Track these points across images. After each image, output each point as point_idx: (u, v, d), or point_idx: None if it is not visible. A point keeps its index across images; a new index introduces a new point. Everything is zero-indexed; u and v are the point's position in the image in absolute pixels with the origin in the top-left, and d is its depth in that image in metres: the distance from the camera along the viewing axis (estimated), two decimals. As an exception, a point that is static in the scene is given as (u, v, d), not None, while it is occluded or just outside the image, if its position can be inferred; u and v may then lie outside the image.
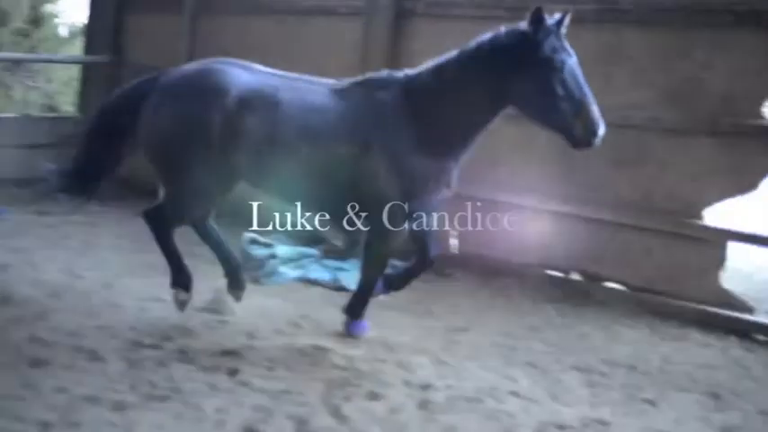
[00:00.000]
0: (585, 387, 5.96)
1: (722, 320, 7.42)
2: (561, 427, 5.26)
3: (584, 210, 8.19)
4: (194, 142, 6.14)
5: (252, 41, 10.57)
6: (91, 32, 13.21)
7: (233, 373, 5.65)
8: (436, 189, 6.17)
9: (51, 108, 15.96)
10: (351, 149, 6.04)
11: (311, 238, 8.95)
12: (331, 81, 6.42)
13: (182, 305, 6.66)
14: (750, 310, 7.50)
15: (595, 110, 5.67)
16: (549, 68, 5.75)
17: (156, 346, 5.98)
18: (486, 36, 6.00)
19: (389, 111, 6.10)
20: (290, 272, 8.13)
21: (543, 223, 8.36)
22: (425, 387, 5.68)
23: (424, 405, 5.41)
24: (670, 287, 7.83)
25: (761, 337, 7.20)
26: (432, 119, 6.05)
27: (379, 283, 6.51)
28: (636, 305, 7.85)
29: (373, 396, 5.47)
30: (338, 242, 8.86)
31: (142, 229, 6.67)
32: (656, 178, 7.97)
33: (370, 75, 6.36)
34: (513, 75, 5.87)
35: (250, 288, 6.99)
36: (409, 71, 6.24)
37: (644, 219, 7.97)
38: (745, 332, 7.29)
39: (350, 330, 6.54)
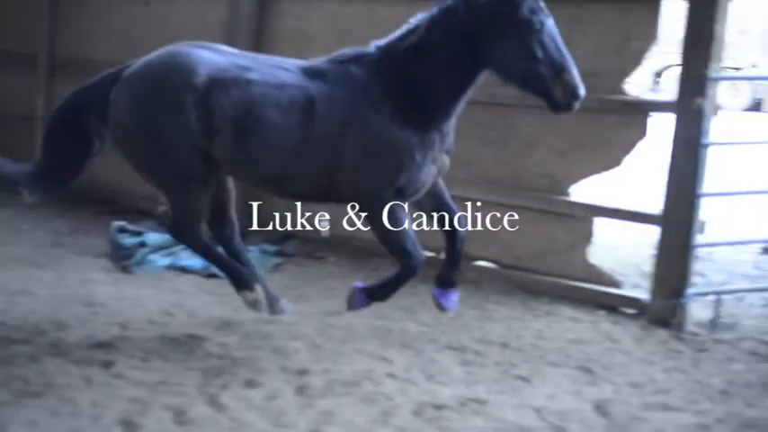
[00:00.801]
0: (460, 366, 6.02)
1: (591, 295, 7.57)
2: (438, 407, 5.31)
3: (454, 189, 8.22)
4: (170, 128, 5.90)
5: (116, 24, 10.40)
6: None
7: (107, 365, 5.58)
8: (424, 164, 5.94)
9: None
10: (328, 125, 5.84)
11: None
12: (299, 61, 6.23)
13: (254, 305, 6.27)
14: (617, 285, 7.65)
15: (575, 72, 5.57)
16: (529, 31, 5.58)
17: (28, 341, 5.87)
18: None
19: (363, 84, 5.89)
20: (160, 260, 8.03)
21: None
22: (302, 372, 5.69)
23: (301, 391, 5.42)
24: (540, 264, 7.95)
25: (629, 311, 7.35)
26: (406, 88, 5.86)
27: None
28: (507, 283, 7.95)
29: (250, 383, 5.46)
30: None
31: (5, 221, 6.49)
32: (524, 155, 8.07)
33: (339, 51, 6.15)
34: (490, 38, 5.68)
35: (120, 277, 6.90)
36: (378, 42, 6.05)
37: (512, 196, 8.06)
38: (613, 306, 7.44)
39: (356, 304, 6.24)
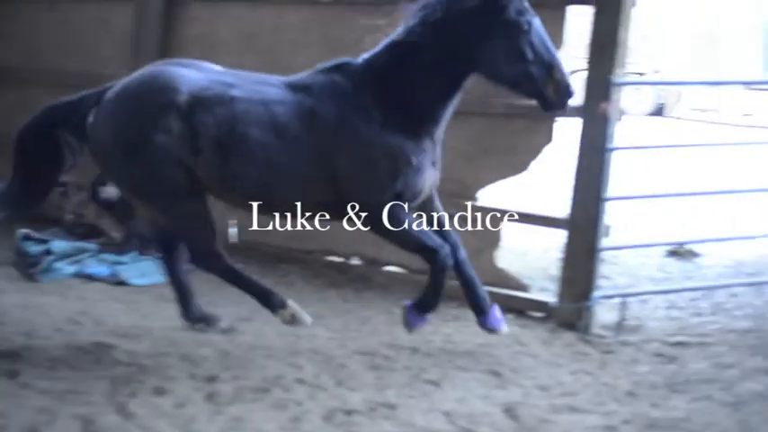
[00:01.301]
0: (370, 371, 6.02)
1: (499, 299, 7.55)
2: (348, 412, 5.31)
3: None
4: (153, 149, 5.83)
5: (20, 28, 10.23)
6: None
7: (12, 375, 5.49)
8: (420, 168, 5.95)
9: None
10: (317, 138, 5.83)
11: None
12: (281, 77, 6.19)
13: (293, 321, 6.28)
14: (525, 288, 7.72)
15: (565, 70, 5.60)
16: (517, 32, 5.61)
17: (-72, 352, 5.76)
18: (448, 1, 5.77)
19: (350, 94, 5.88)
20: (66, 267, 7.92)
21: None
22: (211, 379, 5.65)
23: (210, 397, 5.39)
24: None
25: (536, 314, 7.42)
26: (395, 96, 5.86)
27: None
28: (416, 288, 7.92)
29: (159, 391, 5.41)
30: (116, 235, 8.69)
31: None
32: (432, 161, 8.09)
33: (322, 63, 6.14)
34: (477, 41, 5.70)
35: (26, 286, 6.80)
36: (364, 54, 6.05)
37: (421, 201, 8.08)
38: (521, 310, 7.49)
39: (412, 324, 6.34)
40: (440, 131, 6.09)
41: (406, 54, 5.87)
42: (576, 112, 7.23)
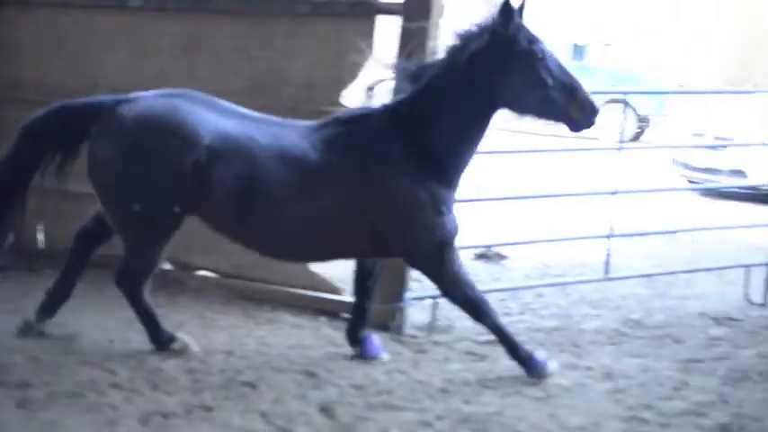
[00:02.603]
0: (185, 374, 5.99)
1: (312, 302, 7.67)
2: (165, 415, 5.29)
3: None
4: (157, 186, 5.82)
5: None
6: None
7: None
8: (450, 213, 6.05)
9: None
10: (342, 194, 5.92)
11: None
12: (304, 122, 6.15)
13: (185, 350, 6.31)
14: (338, 292, 7.78)
15: (585, 88, 5.65)
16: (533, 60, 5.66)
17: None
18: (455, 46, 5.89)
19: (377, 146, 5.92)
20: None
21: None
22: (22, 385, 5.54)
23: (22, 403, 5.29)
24: (260, 273, 7.97)
25: (348, 316, 7.50)
26: (423, 145, 5.88)
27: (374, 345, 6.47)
28: (229, 292, 7.97)
29: (-32, 399, 5.28)
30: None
31: None
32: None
33: (341, 113, 6.20)
34: (496, 77, 5.75)
35: None
36: (386, 102, 6.11)
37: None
38: (335, 312, 7.55)
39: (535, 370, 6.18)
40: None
41: (430, 103, 5.93)
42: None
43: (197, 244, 7.91)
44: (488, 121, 6.08)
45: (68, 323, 6.59)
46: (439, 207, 5.97)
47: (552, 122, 6.07)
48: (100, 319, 6.60)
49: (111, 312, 6.30)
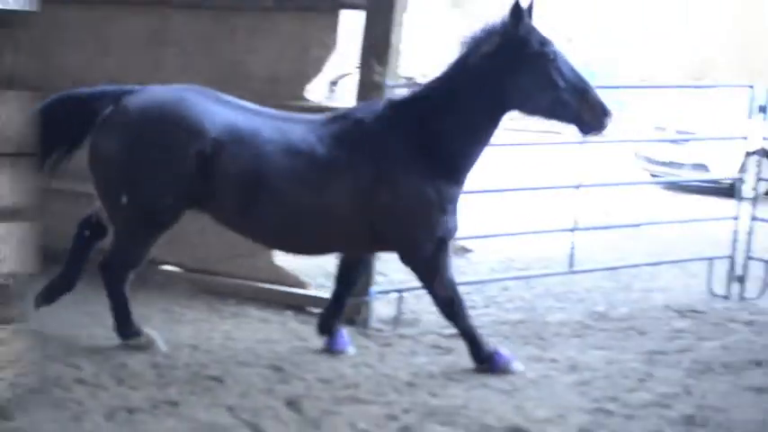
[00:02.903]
0: (151, 369, 5.97)
1: (278, 296, 7.66)
2: (131, 410, 5.28)
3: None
4: (160, 179, 5.81)
5: None
6: None
7: None
8: (453, 213, 6.08)
9: None
10: (348, 188, 5.92)
11: None
12: (312, 117, 6.15)
13: (150, 344, 6.28)
14: (304, 285, 7.78)
15: (596, 90, 5.66)
16: (545, 62, 5.67)
17: None
18: (467, 47, 5.90)
19: (385, 142, 5.92)
20: None
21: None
22: (-15, 382, 5.49)
23: (-15, 400, 5.23)
24: (225, 267, 7.96)
25: (316, 310, 7.48)
26: (433, 144, 5.89)
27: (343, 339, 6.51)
28: (194, 286, 7.94)
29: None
30: None
31: None
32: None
33: (351, 107, 6.22)
34: (508, 78, 5.75)
35: None
36: (391, 99, 6.11)
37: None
38: (300, 306, 7.56)
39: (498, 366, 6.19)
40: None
41: (441, 101, 5.93)
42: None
43: (161, 238, 7.88)
44: (498, 122, 6.10)
45: (32, 318, 6.53)
46: (444, 205, 6.00)
47: (563, 124, 6.12)
48: (64, 315, 6.55)
49: (77, 307, 6.25)
